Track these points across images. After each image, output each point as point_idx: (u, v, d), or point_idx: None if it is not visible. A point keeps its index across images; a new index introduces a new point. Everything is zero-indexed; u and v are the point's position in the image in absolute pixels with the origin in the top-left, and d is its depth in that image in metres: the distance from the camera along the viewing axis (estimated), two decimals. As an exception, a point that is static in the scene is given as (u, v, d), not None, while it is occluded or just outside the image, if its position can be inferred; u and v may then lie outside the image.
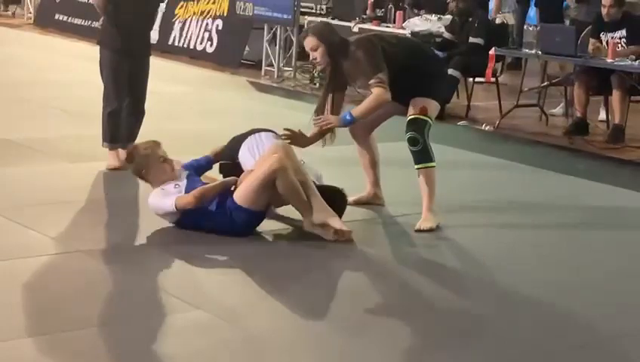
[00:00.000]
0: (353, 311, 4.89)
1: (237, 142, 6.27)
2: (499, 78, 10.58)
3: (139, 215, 6.28)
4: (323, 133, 6.28)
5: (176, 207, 5.72)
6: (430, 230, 6.15)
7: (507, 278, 5.51)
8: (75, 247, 5.47)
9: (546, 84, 10.49)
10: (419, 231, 6.15)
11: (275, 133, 6.28)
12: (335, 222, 5.79)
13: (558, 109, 10.71)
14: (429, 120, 6.26)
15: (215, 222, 5.78)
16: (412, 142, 6.22)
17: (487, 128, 9.84)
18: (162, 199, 5.80)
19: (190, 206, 5.71)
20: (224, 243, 5.68)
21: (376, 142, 6.64)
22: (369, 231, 6.23)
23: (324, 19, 11.17)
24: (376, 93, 6.07)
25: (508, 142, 9.31)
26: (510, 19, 12.31)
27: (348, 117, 6.17)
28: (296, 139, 6.29)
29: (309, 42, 6.20)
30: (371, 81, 6.07)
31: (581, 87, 9.58)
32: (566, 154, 8.95)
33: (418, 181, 6.26)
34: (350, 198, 6.35)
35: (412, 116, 6.24)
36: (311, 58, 6.32)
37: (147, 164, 5.95)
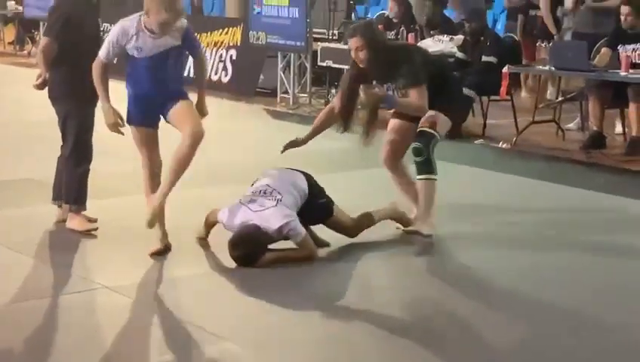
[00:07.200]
0: (390, 333, 4.90)
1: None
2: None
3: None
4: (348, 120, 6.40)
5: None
6: (428, 236, 6.37)
7: (530, 296, 5.55)
8: (100, 283, 5.53)
9: (561, 99, 10.53)
10: (411, 232, 6.43)
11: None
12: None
13: (574, 124, 10.73)
14: (437, 135, 6.39)
15: None
16: (417, 152, 6.36)
17: (504, 146, 9.87)
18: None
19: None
20: (247, 274, 5.74)
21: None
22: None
23: (367, 19, 11.50)
24: (421, 100, 6.23)
25: (525, 159, 9.34)
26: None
27: (390, 97, 6.26)
28: (296, 143, 6.51)
29: (355, 42, 6.23)
30: (414, 89, 6.21)
31: (595, 100, 9.61)
32: (584, 168, 8.96)
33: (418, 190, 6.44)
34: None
35: (421, 128, 6.38)
36: (353, 57, 6.31)
37: None
